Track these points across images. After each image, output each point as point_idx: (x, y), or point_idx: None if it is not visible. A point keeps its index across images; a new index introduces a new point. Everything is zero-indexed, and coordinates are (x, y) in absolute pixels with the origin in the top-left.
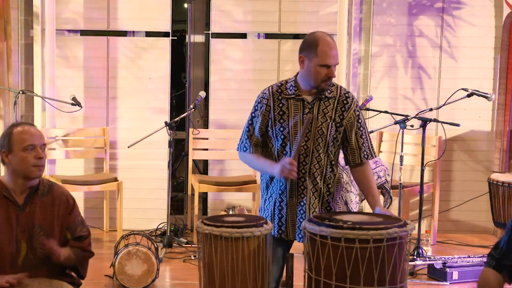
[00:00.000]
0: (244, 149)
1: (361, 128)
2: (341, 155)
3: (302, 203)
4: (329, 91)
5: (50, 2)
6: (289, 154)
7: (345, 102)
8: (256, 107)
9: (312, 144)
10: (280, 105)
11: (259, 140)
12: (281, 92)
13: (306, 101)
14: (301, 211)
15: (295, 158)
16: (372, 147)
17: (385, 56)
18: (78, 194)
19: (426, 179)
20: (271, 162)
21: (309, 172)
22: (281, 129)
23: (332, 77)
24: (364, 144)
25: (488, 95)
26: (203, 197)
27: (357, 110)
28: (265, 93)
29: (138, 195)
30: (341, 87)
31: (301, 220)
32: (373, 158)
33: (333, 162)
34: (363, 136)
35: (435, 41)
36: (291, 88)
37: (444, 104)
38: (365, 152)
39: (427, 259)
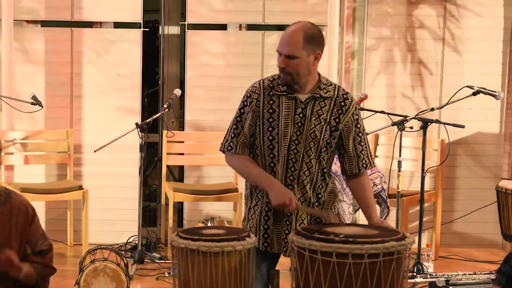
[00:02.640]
0: (229, 148)
1: (360, 134)
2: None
3: (288, 214)
4: (325, 91)
5: None
6: (277, 158)
7: (342, 104)
8: (245, 102)
9: (303, 149)
10: (271, 102)
11: (248, 139)
12: (272, 88)
13: (299, 100)
14: (287, 222)
15: (297, 204)
16: (371, 155)
17: (381, 49)
18: (38, 204)
19: (427, 187)
20: (268, 176)
21: (298, 179)
22: (270, 129)
23: (279, 66)
24: (362, 152)
25: (496, 93)
26: (179, 207)
27: (356, 114)
28: (256, 87)
29: (106, 205)
30: (339, 87)
31: (286, 231)
32: (371, 167)
33: (325, 170)
34: (361, 143)
35: (437, 33)
36: (283, 84)
37: (447, 104)
38: (363, 161)
39: (428, 276)
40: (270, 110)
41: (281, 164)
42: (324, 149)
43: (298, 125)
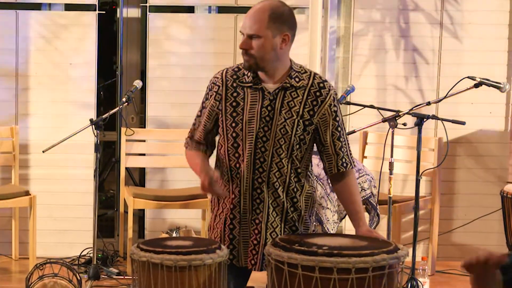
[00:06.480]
0: (186, 146)
1: (339, 129)
2: (314, 162)
3: (257, 221)
4: (297, 79)
5: None
6: (242, 157)
7: (318, 94)
8: (206, 96)
9: (272, 147)
10: (234, 94)
11: (203, 136)
12: (236, 79)
13: (267, 91)
14: (256, 231)
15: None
16: (351, 153)
17: (370, 35)
18: None
19: (422, 192)
20: (203, 166)
21: (267, 182)
22: (233, 124)
23: (240, 48)
24: (342, 149)
25: (501, 85)
26: (139, 215)
27: (335, 105)
28: (217, 78)
29: (56, 213)
30: (315, 74)
31: (255, 242)
32: (352, 167)
33: (299, 170)
34: (341, 139)
35: (434, 16)
36: (249, 74)
37: (445, 97)
38: (344, 159)
39: None
40: (234, 104)
41: (247, 165)
42: (297, 146)
43: (265, 120)
